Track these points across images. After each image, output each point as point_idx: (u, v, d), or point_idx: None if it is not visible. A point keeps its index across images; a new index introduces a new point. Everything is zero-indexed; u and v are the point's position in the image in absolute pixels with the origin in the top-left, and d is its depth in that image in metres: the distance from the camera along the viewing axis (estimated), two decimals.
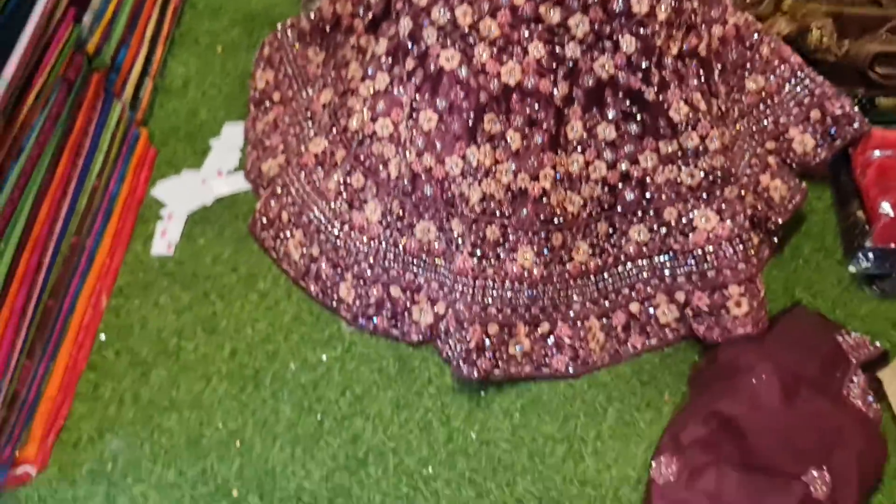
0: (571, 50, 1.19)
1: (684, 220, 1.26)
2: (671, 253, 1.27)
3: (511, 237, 1.22)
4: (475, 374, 1.20)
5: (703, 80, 1.25)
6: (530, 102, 1.20)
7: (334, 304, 1.33)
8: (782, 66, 1.42)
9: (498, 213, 1.22)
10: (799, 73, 1.42)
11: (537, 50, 1.18)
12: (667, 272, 1.28)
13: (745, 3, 1.57)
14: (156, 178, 1.56)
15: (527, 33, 1.18)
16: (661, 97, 1.21)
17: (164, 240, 1.45)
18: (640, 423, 1.21)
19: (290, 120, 1.54)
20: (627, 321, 1.29)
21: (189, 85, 1.74)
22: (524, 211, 1.22)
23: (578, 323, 1.27)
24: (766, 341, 1.22)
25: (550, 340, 1.26)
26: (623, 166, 1.25)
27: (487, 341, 1.21)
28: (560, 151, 1.23)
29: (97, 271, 1.37)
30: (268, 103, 1.61)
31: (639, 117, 1.23)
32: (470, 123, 1.21)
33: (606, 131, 1.24)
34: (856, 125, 1.39)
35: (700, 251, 1.25)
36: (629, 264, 1.29)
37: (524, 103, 1.20)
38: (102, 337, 1.33)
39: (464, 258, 1.22)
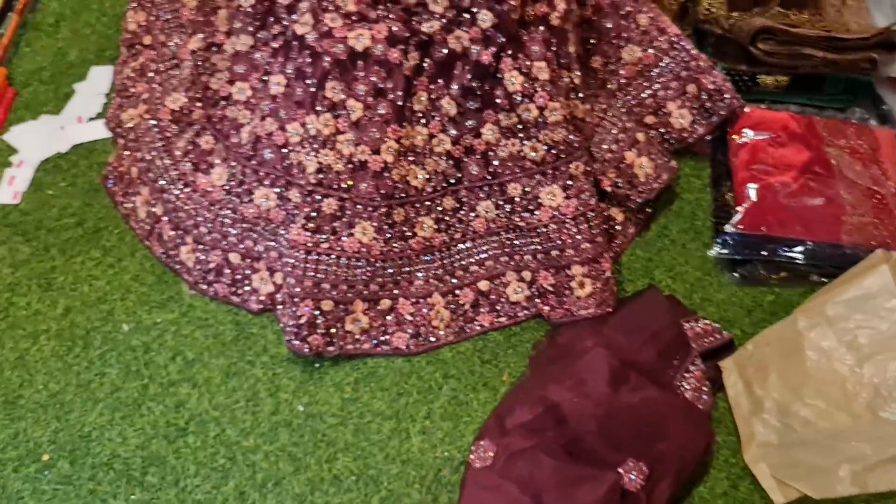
0: (429, 27, 1.13)
1: (529, 196, 1.21)
2: (518, 230, 1.23)
3: (349, 211, 1.17)
4: (306, 349, 1.16)
5: (551, 49, 1.18)
6: (377, 71, 1.14)
7: (177, 266, 1.28)
8: (661, 38, 1.36)
9: (336, 185, 1.16)
10: (677, 45, 1.36)
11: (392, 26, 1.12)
12: (515, 249, 1.24)
13: None
14: (12, 122, 1.49)
15: (383, 13, 1.12)
16: (496, 66, 1.15)
17: (11, 188, 1.39)
18: (473, 404, 1.18)
19: (157, 67, 1.46)
20: (476, 298, 1.24)
21: (61, 23, 1.65)
22: (363, 185, 1.17)
23: (421, 300, 1.23)
24: (606, 325, 1.19)
25: (391, 317, 1.22)
26: (467, 140, 1.20)
27: (320, 318, 1.17)
28: (405, 123, 1.18)
29: None
30: (138, 47, 1.53)
31: (478, 91, 1.18)
32: (313, 90, 1.15)
33: (449, 105, 1.18)
34: (726, 99, 1.34)
35: (544, 228, 1.21)
36: (478, 240, 1.25)
37: (370, 71, 1.14)
38: None
39: (297, 230, 1.17)
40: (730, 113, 1.35)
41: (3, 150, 1.44)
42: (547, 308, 1.22)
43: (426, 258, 1.23)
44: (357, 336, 1.20)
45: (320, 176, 1.16)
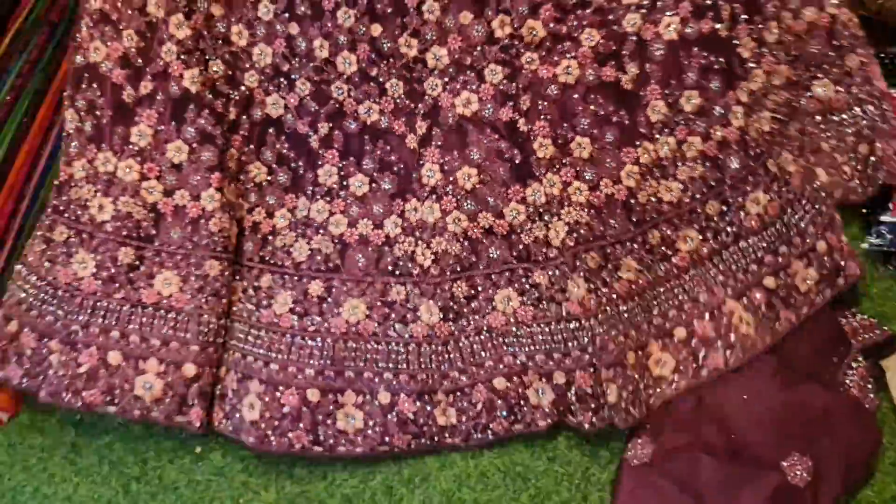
0: (430, 86, 1.18)
1: (556, 287, 1.13)
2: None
3: (334, 289, 1.16)
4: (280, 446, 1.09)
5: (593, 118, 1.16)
6: (382, 145, 1.19)
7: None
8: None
9: (324, 267, 1.17)
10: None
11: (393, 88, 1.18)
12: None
13: None
14: None
15: (385, 68, 1.17)
16: (529, 129, 1.16)
17: None
18: None
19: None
20: (490, 399, 1.10)
21: None
22: (359, 257, 1.17)
23: (426, 396, 1.12)
24: None
25: (392, 416, 1.10)
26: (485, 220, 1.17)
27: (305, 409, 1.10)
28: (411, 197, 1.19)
29: None
30: None
31: (507, 155, 1.17)
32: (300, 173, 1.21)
33: (467, 177, 1.18)
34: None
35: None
36: (489, 334, 1.14)
37: (376, 145, 1.19)
38: None
39: (284, 316, 1.15)
40: None
41: None
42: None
43: (431, 349, 1.14)
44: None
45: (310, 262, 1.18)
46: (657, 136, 1.17)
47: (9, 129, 1.20)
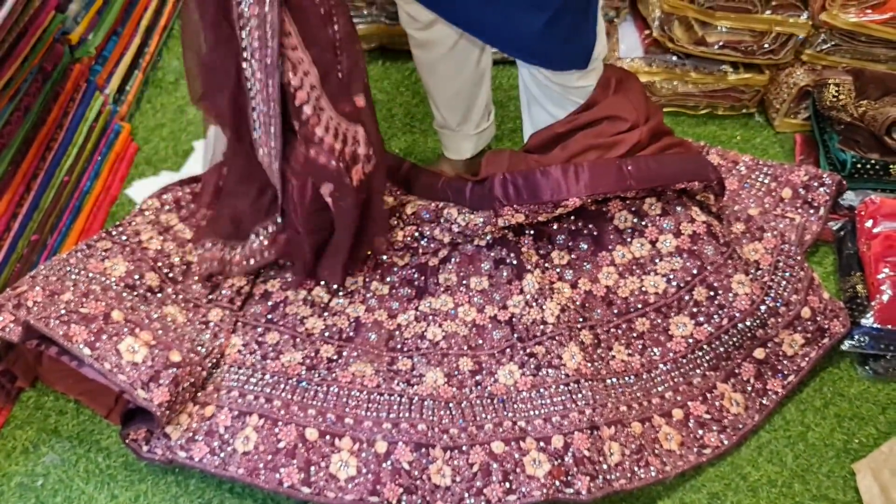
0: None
1: (552, 355, 1.19)
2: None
3: (345, 354, 1.22)
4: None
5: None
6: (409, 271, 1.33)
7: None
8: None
9: (337, 337, 1.24)
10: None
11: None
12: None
13: (762, 49, 1.50)
14: (133, 177, 1.51)
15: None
16: (517, 240, 1.31)
17: None
18: None
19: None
20: (486, 462, 1.10)
21: (181, 80, 1.68)
22: (371, 335, 1.24)
23: (423, 449, 1.10)
24: None
25: (388, 464, 1.09)
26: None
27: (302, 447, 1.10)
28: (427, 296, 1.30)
29: None
30: None
31: (507, 260, 1.29)
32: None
33: (478, 282, 1.29)
34: (825, 180, 1.38)
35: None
36: (490, 400, 1.16)
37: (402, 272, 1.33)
38: None
39: (292, 366, 1.20)
40: (831, 195, 1.37)
41: (124, 203, 1.46)
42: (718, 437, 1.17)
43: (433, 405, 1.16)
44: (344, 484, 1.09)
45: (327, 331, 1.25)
46: (629, 240, 1.27)
47: None
